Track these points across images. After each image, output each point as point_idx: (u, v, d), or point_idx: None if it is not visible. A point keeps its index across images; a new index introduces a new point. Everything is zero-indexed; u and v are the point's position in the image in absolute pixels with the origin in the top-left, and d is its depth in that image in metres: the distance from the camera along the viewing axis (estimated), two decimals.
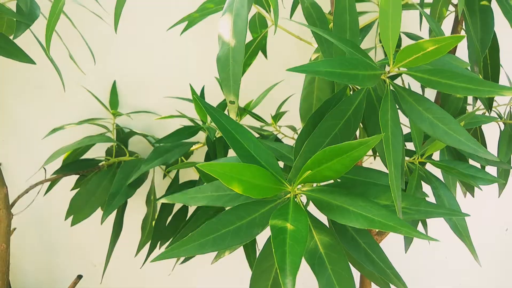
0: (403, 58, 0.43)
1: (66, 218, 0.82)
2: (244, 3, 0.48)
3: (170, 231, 0.82)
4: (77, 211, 0.81)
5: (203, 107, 0.46)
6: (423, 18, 0.73)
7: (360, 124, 0.56)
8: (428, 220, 0.73)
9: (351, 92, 0.60)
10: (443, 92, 0.43)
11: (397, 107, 0.50)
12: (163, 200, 0.55)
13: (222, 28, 0.49)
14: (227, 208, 0.47)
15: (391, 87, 0.48)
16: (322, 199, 0.47)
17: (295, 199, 0.49)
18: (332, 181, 0.59)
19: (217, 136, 0.80)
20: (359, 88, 0.51)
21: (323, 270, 0.46)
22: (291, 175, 0.50)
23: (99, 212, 0.82)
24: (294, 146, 0.53)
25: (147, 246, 0.85)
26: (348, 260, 0.56)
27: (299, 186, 0.50)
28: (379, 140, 0.40)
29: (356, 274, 0.58)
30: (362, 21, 0.75)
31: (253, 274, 0.50)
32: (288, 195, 0.49)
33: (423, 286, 1.17)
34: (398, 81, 0.86)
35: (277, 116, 0.82)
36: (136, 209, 0.92)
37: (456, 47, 0.78)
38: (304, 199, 0.52)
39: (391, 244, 0.81)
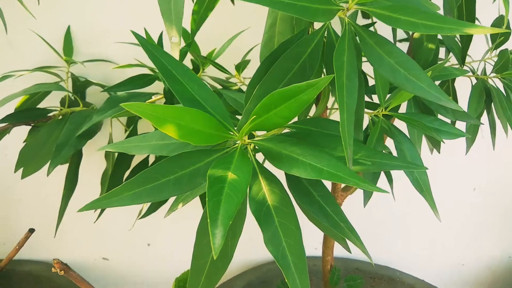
0: None
1: (15, 171, 0.78)
2: None
3: None
4: (27, 163, 0.76)
5: (139, 42, 0.41)
6: None
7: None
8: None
9: None
10: (403, 29, 0.39)
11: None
12: (106, 149, 0.51)
13: None
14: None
15: (351, 27, 0.44)
16: (272, 148, 0.44)
17: (244, 149, 0.46)
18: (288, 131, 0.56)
19: None
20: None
21: (270, 222, 0.43)
22: (240, 123, 0.46)
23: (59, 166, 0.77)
24: (246, 92, 0.49)
25: None
26: (305, 214, 0.54)
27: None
28: (329, 81, 0.36)
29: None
30: None
31: (195, 247, 0.45)
32: (237, 144, 0.45)
33: (385, 241, 1.18)
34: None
35: (240, 66, 0.77)
36: (98, 163, 0.88)
37: None
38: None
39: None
